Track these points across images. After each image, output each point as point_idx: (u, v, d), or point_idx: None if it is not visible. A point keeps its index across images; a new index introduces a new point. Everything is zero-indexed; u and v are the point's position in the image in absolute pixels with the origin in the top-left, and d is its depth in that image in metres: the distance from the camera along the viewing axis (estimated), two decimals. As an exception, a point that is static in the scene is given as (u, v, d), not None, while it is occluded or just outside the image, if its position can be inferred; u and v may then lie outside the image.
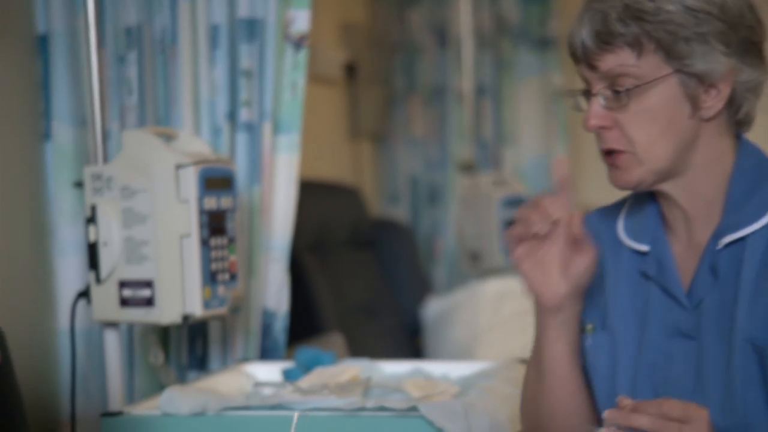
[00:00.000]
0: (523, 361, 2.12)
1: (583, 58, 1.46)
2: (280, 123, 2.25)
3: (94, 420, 2.15)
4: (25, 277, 2.19)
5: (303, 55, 2.23)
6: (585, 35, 1.44)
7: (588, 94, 1.48)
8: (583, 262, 1.48)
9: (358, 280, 3.55)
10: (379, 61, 4.31)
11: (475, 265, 3.95)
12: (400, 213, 4.32)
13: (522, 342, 3.54)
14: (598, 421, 1.45)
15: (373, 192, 4.32)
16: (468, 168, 4.24)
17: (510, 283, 3.69)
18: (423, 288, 3.92)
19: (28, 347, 2.13)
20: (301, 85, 2.24)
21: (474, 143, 4.32)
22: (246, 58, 2.21)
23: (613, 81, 1.44)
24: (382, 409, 1.75)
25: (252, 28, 2.20)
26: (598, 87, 1.46)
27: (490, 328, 3.60)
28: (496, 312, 3.64)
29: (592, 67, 1.45)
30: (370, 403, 1.76)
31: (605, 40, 1.43)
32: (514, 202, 3.88)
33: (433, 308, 3.75)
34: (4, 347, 1.61)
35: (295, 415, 1.28)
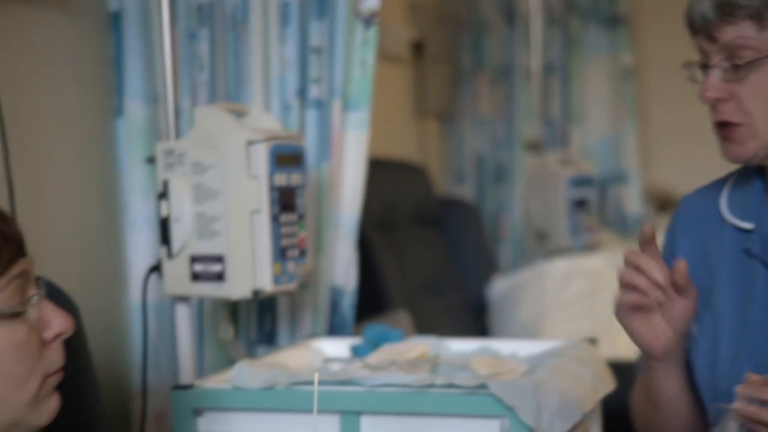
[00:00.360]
0: (591, 340, 2.12)
1: (702, 30, 1.45)
2: (349, 100, 2.26)
3: (165, 392, 2.19)
4: (98, 251, 2.22)
5: (373, 32, 2.23)
6: (706, 7, 1.43)
7: (705, 66, 1.47)
8: (687, 304, 1.47)
9: (424, 258, 3.55)
10: (447, 39, 4.29)
11: (541, 245, 3.93)
12: (465, 192, 4.30)
13: (589, 322, 3.54)
14: (706, 420, 1.45)
15: (439, 171, 4.31)
16: (535, 147, 4.22)
17: (577, 263, 3.68)
18: (489, 267, 3.91)
19: (100, 321, 2.15)
20: (371, 62, 2.24)
21: (541, 122, 4.30)
22: (316, 35, 2.21)
23: (731, 53, 1.43)
24: (451, 386, 1.75)
25: (322, 5, 2.21)
26: (716, 59, 1.44)
27: (557, 308, 3.59)
28: (563, 292, 3.63)
29: (712, 39, 1.44)
30: (439, 380, 1.76)
31: (727, 11, 1.41)
32: (582, 182, 3.86)
33: (498, 287, 3.74)
34: (77, 321, 1.64)
35: (316, 377, 1.28)
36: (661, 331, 1.49)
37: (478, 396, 1.71)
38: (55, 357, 1.19)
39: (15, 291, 1.14)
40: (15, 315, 1.13)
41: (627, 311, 1.50)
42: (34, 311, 1.16)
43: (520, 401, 1.66)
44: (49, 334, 1.18)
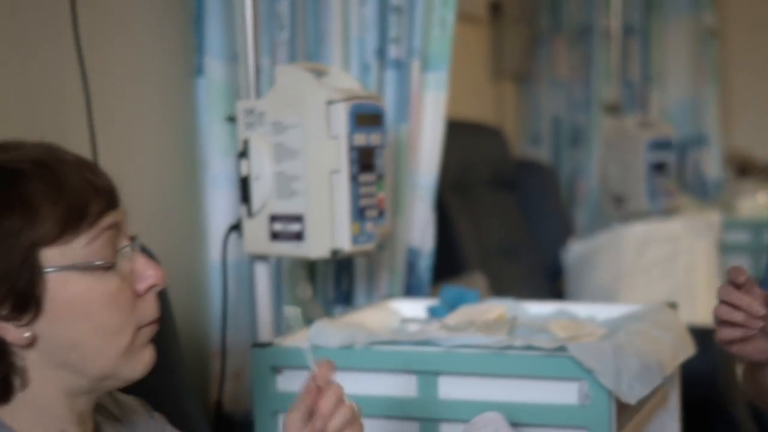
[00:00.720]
0: (671, 304, 2.10)
1: None
2: (428, 60, 2.25)
3: (243, 351, 2.21)
4: (179, 210, 2.24)
5: (453, -9, 2.21)
6: None
7: None
8: None
9: (500, 221, 3.53)
10: (524, 0, 4.24)
11: (618, 208, 3.89)
12: (541, 154, 4.27)
13: (666, 287, 3.50)
14: None
15: (515, 133, 4.28)
16: (613, 109, 4.17)
17: (654, 228, 3.63)
18: (564, 230, 3.88)
19: (181, 280, 2.18)
20: (451, 21, 2.23)
21: (620, 84, 4.24)
22: (396, -6, 2.20)
23: None
24: (530, 348, 1.74)
25: (403, -36, 2.20)
26: None
27: (633, 273, 3.56)
28: (640, 256, 3.59)
29: None
30: (518, 342, 1.76)
31: None
32: (660, 145, 3.81)
33: (574, 251, 3.71)
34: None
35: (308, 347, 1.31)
36: (762, 346, 1.51)
37: (557, 358, 1.70)
38: (149, 309, 1.19)
39: (106, 243, 1.15)
40: (106, 266, 1.14)
41: (726, 343, 1.50)
42: (126, 263, 1.17)
43: (600, 364, 1.65)
44: (142, 285, 1.18)
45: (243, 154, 1.97)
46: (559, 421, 1.70)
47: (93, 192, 1.14)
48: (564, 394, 1.69)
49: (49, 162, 1.13)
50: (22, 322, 1.10)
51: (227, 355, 2.19)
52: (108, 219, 1.15)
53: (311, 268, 2.33)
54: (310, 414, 1.26)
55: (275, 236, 1.97)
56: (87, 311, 1.12)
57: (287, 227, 1.95)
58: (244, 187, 1.98)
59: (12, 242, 1.09)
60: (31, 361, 1.13)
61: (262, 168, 1.96)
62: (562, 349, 1.71)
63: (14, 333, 1.10)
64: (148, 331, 1.19)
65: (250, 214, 1.98)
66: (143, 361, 1.19)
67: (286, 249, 1.97)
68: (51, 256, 1.11)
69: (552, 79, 4.28)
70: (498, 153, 3.65)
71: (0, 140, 1.16)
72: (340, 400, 1.27)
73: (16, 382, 1.13)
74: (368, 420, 1.80)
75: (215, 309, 2.22)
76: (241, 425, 2.19)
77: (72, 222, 1.12)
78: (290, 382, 1.87)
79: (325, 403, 1.25)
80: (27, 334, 1.11)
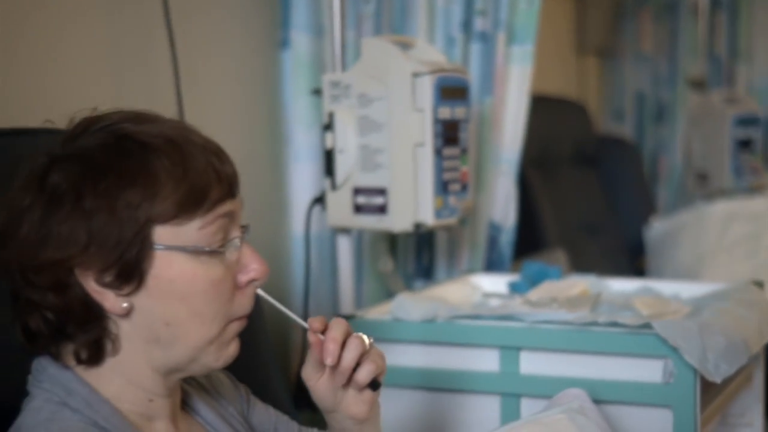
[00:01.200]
0: (758, 283, 2.06)
1: None
2: (514, 33, 2.23)
3: (325, 322, 2.22)
4: (263, 182, 2.26)
5: (538, -36, 2.19)
6: None
7: None
8: None
9: (581, 198, 3.51)
10: (609, -26, 4.20)
11: (702, 186, 3.84)
12: (624, 130, 4.22)
13: (750, 266, 3.45)
14: None
15: (598, 108, 4.24)
16: (699, 84, 4.10)
17: (739, 206, 3.57)
18: (647, 208, 3.84)
19: (264, 252, 2.18)
20: (538, -6, 2.21)
21: (706, 59, 4.16)
22: (482, -34, 2.19)
23: None
24: (614, 324, 1.72)
25: (489, -64, 2.18)
26: None
27: (717, 251, 3.50)
28: (724, 234, 3.53)
29: None
30: (602, 319, 1.74)
31: None
32: (747, 121, 3.74)
33: (657, 229, 3.66)
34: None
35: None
36: None
37: (642, 335, 1.68)
38: (245, 303, 1.19)
39: (218, 229, 1.15)
40: (214, 253, 1.14)
41: None
42: (233, 253, 1.17)
43: (686, 342, 1.63)
44: (244, 278, 1.18)
45: (328, 126, 1.97)
46: (642, 399, 1.68)
47: (216, 178, 1.14)
48: (648, 371, 1.68)
49: (179, 141, 1.14)
50: (122, 291, 1.12)
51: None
52: (225, 207, 1.15)
53: (393, 241, 2.34)
54: (321, 364, 1.24)
55: (358, 209, 1.97)
56: (186, 294, 1.13)
57: (370, 200, 1.95)
58: (328, 160, 1.99)
59: (130, 214, 1.10)
60: (124, 330, 1.14)
61: (346, 141, 1.96)
62: (647, 326, 1.69)
63: (113, 301, 1.12)
64: (238, 326, 1.19)
65: (333, 187, 1.99)
66: (227, 354, 1.19)
67: (369, 222, 1.97)
68: (163, 234, 1.11)
69: (636, 53, 4.22)
70: (581, 129, 3.62)
71: (138, 111, 1.17)
72: (347, 336, 1.23)
73: (108, 346, 1.14)
74: (449, 394, 1.82)
75: (297, 281, 2.24)
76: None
77: (190, 205, 1.12)
78: (372, 355, 1.88)
79: (328, 344, 1.21)
80: (125, 305, 1.12)
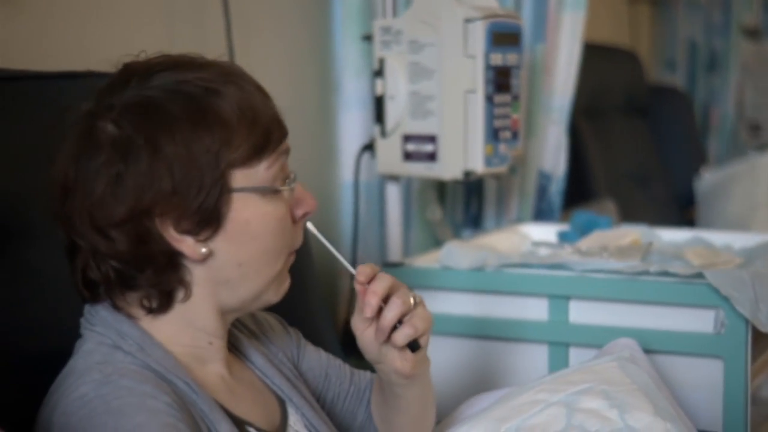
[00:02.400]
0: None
1: None
2: (567, -21, 2.20)
3: (373, 270, 2.22)
4: (312, 129, 2.25)
5: None
6: None
7: None
8: None
9: (632, 148, 3.47)
10: None
11: (754, 137, 3.80)
12: (676, 80, 4.17)
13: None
14: None
15: (650, 57, 4.18)
16: (753, 33, 4.04)
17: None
18: (697, 159, 3.81)
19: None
20: (590, -61, 2.18)
21: (761, 7, 4.10)
22: None
23: None
24: (665, 274, 1.71)
25: None
26: None
27: (768, 203, 3.47)
28: (775, 186, 3.50)
29: None
30: (653, 268, 1.73)
31: None
32: (803, 71, 3.69)
33: (707, 180, 3.63)
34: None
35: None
36: None
37: (694, 285, 1.67)
38: (299, 236, 1.22)
39: (279, 168, 1.17)
40: (277, 191, 1.17)
41: None
42: (289, 189, 1.19)
43: (738, 292, 1.61)
44: (299, 212, 1.20)
45: (378, 73, 1.96)
46: (693, 349, 1.68)
47: (275, 118, 1.18)
48: (699, 321, 1.67)
49: (239, 84, 1.15)
50: (200, 237, 1.13)
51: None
52: (284, 145, 1.18)
53: (441, 189, 2.33)
54: (368, 319, 1.23)
55: (408, 156, 1.96)
56: (258, 233, 1.15)
57: (420, 147, 1.94)
58: (378, 107, 1.98)
59: (209, 160, 1.11)
60: (197, 276, 1.16)
61: (397, 87, 1.94)
62: (698, 276, 1.68)
63: (192, 247, 1.13)
64: (292, 259, 1.22)
65: (383, 134, 1.98)
66: (284, 287, 1.22)
67: (419, 170, 1.96)
68: (238, 177, 1.14)
69: (689, 1, 4.16)
70: (632, 78, 3.58)
71: (184, 55, 1.17)
72: (391, 292, 1.23)
73: (180, 296, 1.16)
74: (497, 343, 1.82)
75: (346, 229, 2.24)
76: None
77: (260, 147, 1.14)
78: (420, 302, 1.88)
79: (369, 296, 1.21)
80: (204, 250, 1.13)
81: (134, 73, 1.15)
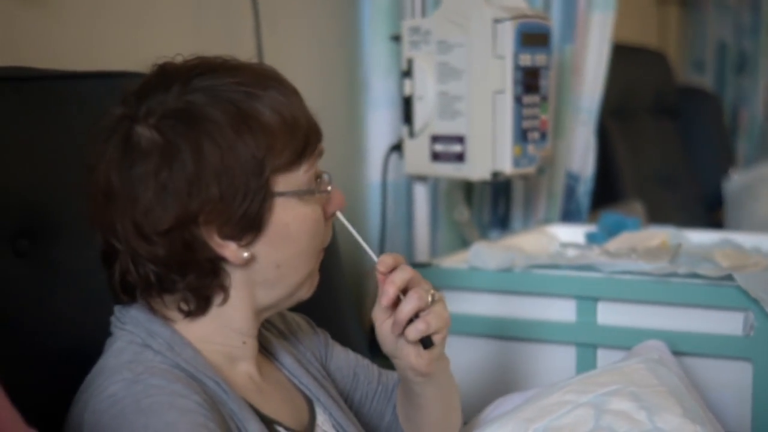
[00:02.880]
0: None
1: None
2: (597, -21, 2.20)
3: (400, 270, 2.22)
4: (340, 129, 2.25)
5: None
6: None
7: None
8: None
9: (660, 149, 3.46)
10: None
11: (783, 138, 3.77)
12: (705, 81, 4.15)
13: (832, 220, 3.37)
14: None
15: (679, 58, 4.16)
16: (783, 35, 4.02)
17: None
18: (726, 160, 3.78)
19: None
20: (619, -61, 2.17)
21: (791, 8, 4.08)
22: None
23: None
24: (694, 276, 1.70)
25: None
26: None
27: (798, 204, 3.45)
28: (804, 188, 3.48)
29: None
30: (682, 270, 1.72)
31: None
32: (833, 73, 3.66)
33: (736, 181, 3.61)
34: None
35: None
36: None
37: (723, 287, 1.66)
38: (329, 233, 1.23)
39: (315, 170, 1.18)
40: (315, 193, 1.18)
41: None
42: (327, 191, 1.20)
43: (767, 294, 1.60)
44: (330, 209, 1.21)
45: (407, 73, 1.96)
46: (722, 352, 1.67)
47: (312, 122, 1.18)
48: (728, 324, 1.66)
49: (280, 88, 1.16)
50: (242, 242, 1.14)
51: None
52: (319, 148, 1.19)
53: (468, 190, 2.33)
54: (387, 309, 1.23)
55: (436, 157, 1.96)
56: (296, 235, 1.16)
57: (448, 148, 1.94)
58: (406, 106, 1.98)
59: (255, 167, 1.12)
60: (235, 279, 1.16)
61: (425, 88, 1.94)
62: (728, 278, 1.67)
63: (235, 252, 1.14)
64: (322, 256, 1.22)
65: (411, 134, 1.98)
66: (314, 284, 1.23)
67: (447, 170, 1.96)
68: (280, 182, 1.14)
69: (719, 2, 4.14)
70: (660, 79, 3.56)
71: (221, 57, 1.18)
72: (410, 285, 1.22)
73: (218, 300, 1.17)
74: (524, 343, 1.81)
75: (373, 229, 2.24)
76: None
77: (300, 151, 1.15)
78: (448, 303, 1.87)
79: (387, 285, 1.20)
80: (246, 254, 1.14)
81: (172, 76, 1.15)
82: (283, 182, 1.14)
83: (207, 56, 1.18)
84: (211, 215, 1.11)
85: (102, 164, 1.13)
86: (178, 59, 1.17)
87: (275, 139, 1.13)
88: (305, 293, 1.22)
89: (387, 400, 1.43)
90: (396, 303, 1.21)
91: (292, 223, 1.15)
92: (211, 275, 1.15)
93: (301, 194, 1.15)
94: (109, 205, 1.12)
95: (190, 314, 1.16)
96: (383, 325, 1.24)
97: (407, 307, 1.21)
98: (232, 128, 1.11)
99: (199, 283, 1.14)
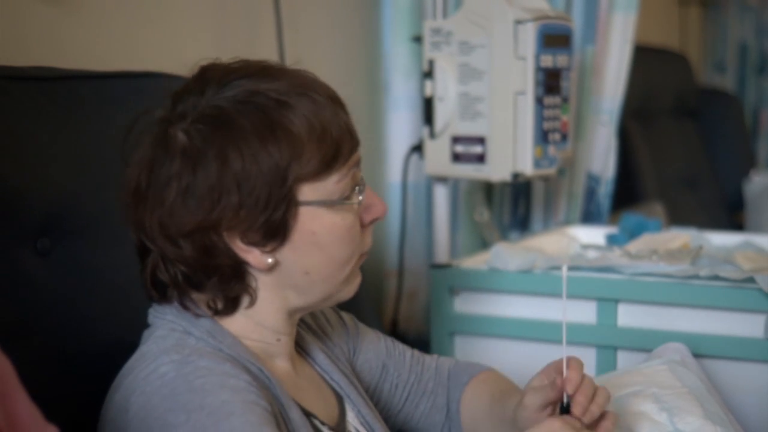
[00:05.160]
0: None
1: None
2: (618, -21, 2.19)
3: (419, 272, 2.22)
4: (361, 130, 2.23)
5: None
6: None
7: None
8: None
9: (681, 150, 3.45)
10: None
11: (805, 140, 3.75)
12: (726, 82, 4.13)
13: None
14: None
15: (700, 59, 4.15)
16: (805, 36, 4.00)
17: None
18: (747, 162, 3.77)
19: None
20: (641, -60, 2.16)
21: (813, 9, 4.06)
22: None
23: None
24: (716, 278, 1.70)
25: None
26: None
27: (820, 206, 3.43)
28: (827, 190, 3.46)
29: None
30: (703, 272, 1.72)
31: None
32: None
33: (757, 183, 3.60)
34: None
35: (564, 268, 1.23)
36: None
37: (745, 290, 1.65)
38: (369, 240, 1.23)
39: (351, 178, 1.18)
40: (349, 202, 1.17)
41: None
42: (359, 197, 1.20)
43: (790, 297, 1.60)
44: (369, 217, 1.21)
45: (428, 74, 1.96)
46: (743, 354, 1.66)
47: (346, 131, 1.18)
48: (750, 326, 1.66)
49: (311, 96, 1.15)
50: (267, 248, 1.14)
51: (404, 276, 2.21)
52: (355, 157, 1.19)
53: (488, 191, 2.32)
54: (548, 403, 1.23)
55: (456, 158, 1.96)
56: (325, 244, 1.16)
57: (469, 149, 1.94)
58: (427, 108, 1.98)
59: (278, 175, 1.12)
60: (263, 282, 1.17)
61: (446, 89, 1.94)
62: (749, 280, 1.66)
63: (258, 258, 1.14)
64: (363, 259, 1.23)
65: (432, 135, 1.98)
66: (355, 285, 1.23)
67: (467, 171, 1.96)
68: (306, 191, 1.14)
69: (740, 3, 4.12)
70: (681, 80, 3.55)
71: (261, 62, 1.18)
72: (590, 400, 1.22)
73: (245, 301, 1.18)
74: (544, 345, 1.81)
75: (393, 229, 2.24)
76: (413, 344, 2.21)
77: (330, 161, 1.15)
78: (467, 304, 1.88)
79: (579, 402, 1.20)
80: (269, 260, 1.15)
81: (210, 80, 1.15)
82: (311, 191, 1.14)
83: (249, 60, 1.19)
84: (233, 221, 1.12)
85: (135, 163, 1.14)
86: (222, 61, 1.18)
87: (302, 148, 1.12)
88: (345, 295, 1.22)
89: (422, 391, 1.43)
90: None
91: (319, 231, 1.15)
92: (235, 278, 1.16)
93: (327, 204, 1.15)
94: (139, 204, 1.14)
95: (218, 313, 1.17)
96: (533, 413, 1.24)
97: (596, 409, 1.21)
98: (257, 136, 1.11)
99: (224, 285, 1.16)
